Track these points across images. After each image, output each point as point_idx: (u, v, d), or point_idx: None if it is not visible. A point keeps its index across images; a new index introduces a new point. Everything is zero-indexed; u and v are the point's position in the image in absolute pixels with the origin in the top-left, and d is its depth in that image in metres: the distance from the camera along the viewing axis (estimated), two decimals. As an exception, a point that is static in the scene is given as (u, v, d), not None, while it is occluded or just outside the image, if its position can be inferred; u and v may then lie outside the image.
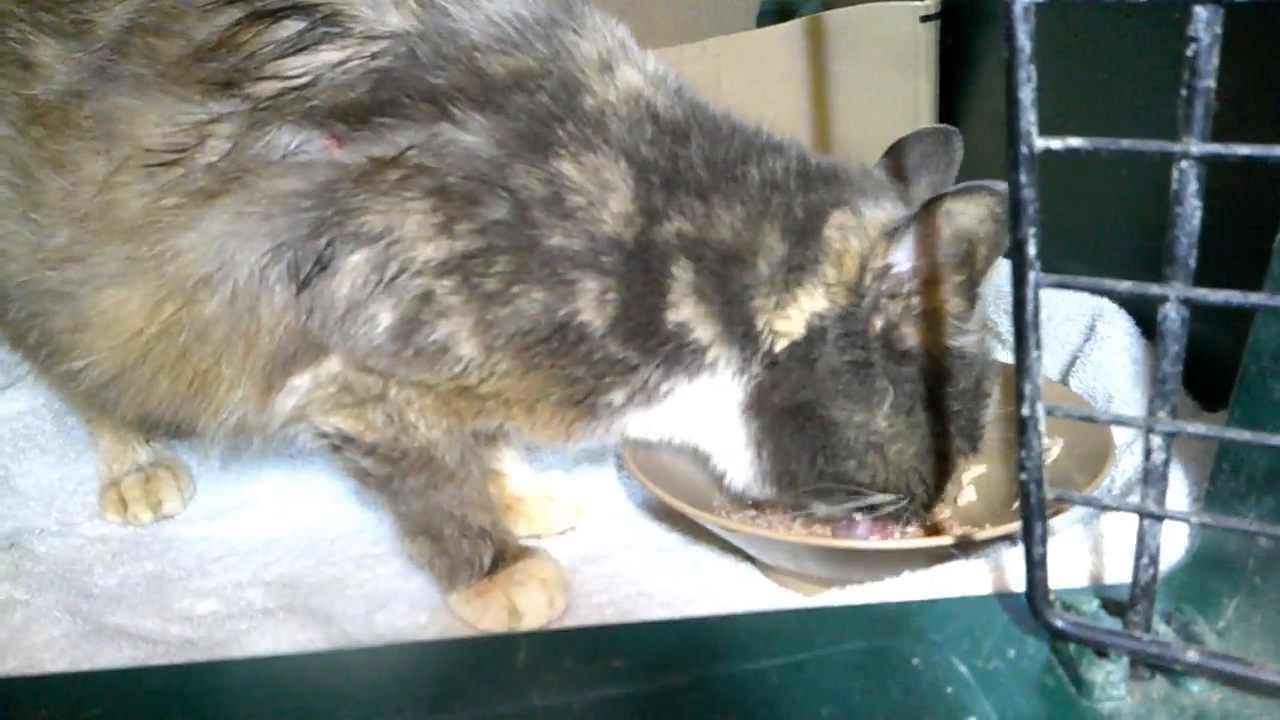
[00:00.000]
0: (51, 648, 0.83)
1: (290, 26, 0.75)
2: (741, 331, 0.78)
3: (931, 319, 0.76)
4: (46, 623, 0.87)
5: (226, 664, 0.73)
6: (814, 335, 0.77)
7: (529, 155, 0.74)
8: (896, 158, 0.90)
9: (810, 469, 0.80)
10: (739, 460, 0.83)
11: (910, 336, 0.77)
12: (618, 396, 0.79)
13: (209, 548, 1.01)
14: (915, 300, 0.76)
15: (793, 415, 0.79)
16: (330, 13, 0.75)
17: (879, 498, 0.81)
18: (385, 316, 0.75)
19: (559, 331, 0.75)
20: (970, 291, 0.75)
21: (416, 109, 0.74)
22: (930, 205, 0.72)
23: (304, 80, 0.74)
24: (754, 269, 0.77)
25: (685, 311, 0.77)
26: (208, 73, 0.74)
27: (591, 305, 0.75)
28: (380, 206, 0.73)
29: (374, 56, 0.75)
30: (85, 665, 0.80)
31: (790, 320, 0.77)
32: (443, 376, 0.77)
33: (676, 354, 0.78)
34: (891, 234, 0.75)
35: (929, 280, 0.75)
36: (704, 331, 0.77)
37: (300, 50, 0.75)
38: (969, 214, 0.71)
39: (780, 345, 0.78)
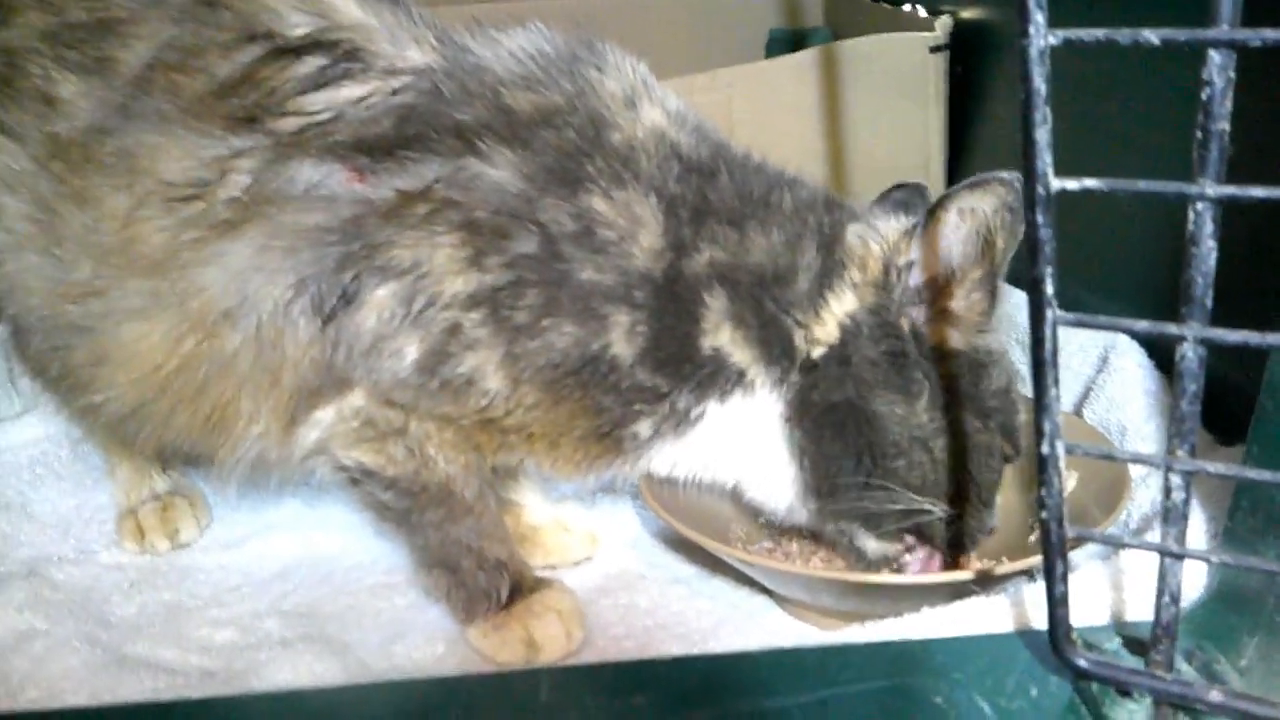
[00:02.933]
0: (71, 677, 0.83)
1: (311, 63, 0.76)
2: (780, 350, 0.78)
3: (957, 317, 0.77)
4: (66, 652, 0.87)
5: (246, 699, 0.74)
6: (847, 335, 0.78)
7: (558, 190, 0.75)
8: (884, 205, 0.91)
9: (855, 472, 0.79)
10: (780, 478, 0.82)
11: (939, 334, 0.78)
12: (644, 427, 0.79)
13: (226, 577, 1.02)
14: (940, 298, 0.77)
15: (834, 415, 0.79)
16: (351, 49, 0.76)
17: (931, 508, 0.79)
18: (412, 349, 0.76)
19: (589, 364, 0.76)
20: (991, 285, 0.76)
21: (442, 143, 0.74)
22: (944, 200, 0.73)
23: (326, 116, 0.75)
24: (794, 287, 0.78)
25: (721, 338, 0.78)
26: (230, 109, 0.75)
27: (622, 338, 0.76)
28: (408, 240, 0.74)
29: (396, 92, 0.76)
30: (106, 696, 0.80)
31: (825, 326, 0.78)
32: (468, 409, 0.78)
33: (711, 378, 0.78)
34: (911, 231, 0.77)
35: (951, 277, 0.76)
36: (741, 355, 0.78)
37: (322, 86, 0.76)
38: (983, 205, 0.72)
39: (817, 352, 0.79)
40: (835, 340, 0.78)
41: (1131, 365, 1.00)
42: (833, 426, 0.79)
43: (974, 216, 0.73)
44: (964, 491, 0.79)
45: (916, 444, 0.78)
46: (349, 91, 0.76)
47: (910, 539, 0.82)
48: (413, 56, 0.78)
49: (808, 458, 0.80)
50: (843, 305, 0.78)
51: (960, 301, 0.77)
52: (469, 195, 0.74)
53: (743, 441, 0.82)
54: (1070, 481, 0.88)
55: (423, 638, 0.88)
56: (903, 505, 0.78)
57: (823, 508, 0.82)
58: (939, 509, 0.79)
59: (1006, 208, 0.72)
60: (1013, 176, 0.71)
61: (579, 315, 0.75)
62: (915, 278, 0.77)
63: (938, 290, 0.77)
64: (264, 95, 0.76)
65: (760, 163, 0.83)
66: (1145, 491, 0.87)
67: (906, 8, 1.64)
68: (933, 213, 0.74)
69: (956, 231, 0.74)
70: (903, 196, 0.91)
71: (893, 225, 0.79)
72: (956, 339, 0.78)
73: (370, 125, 0.75)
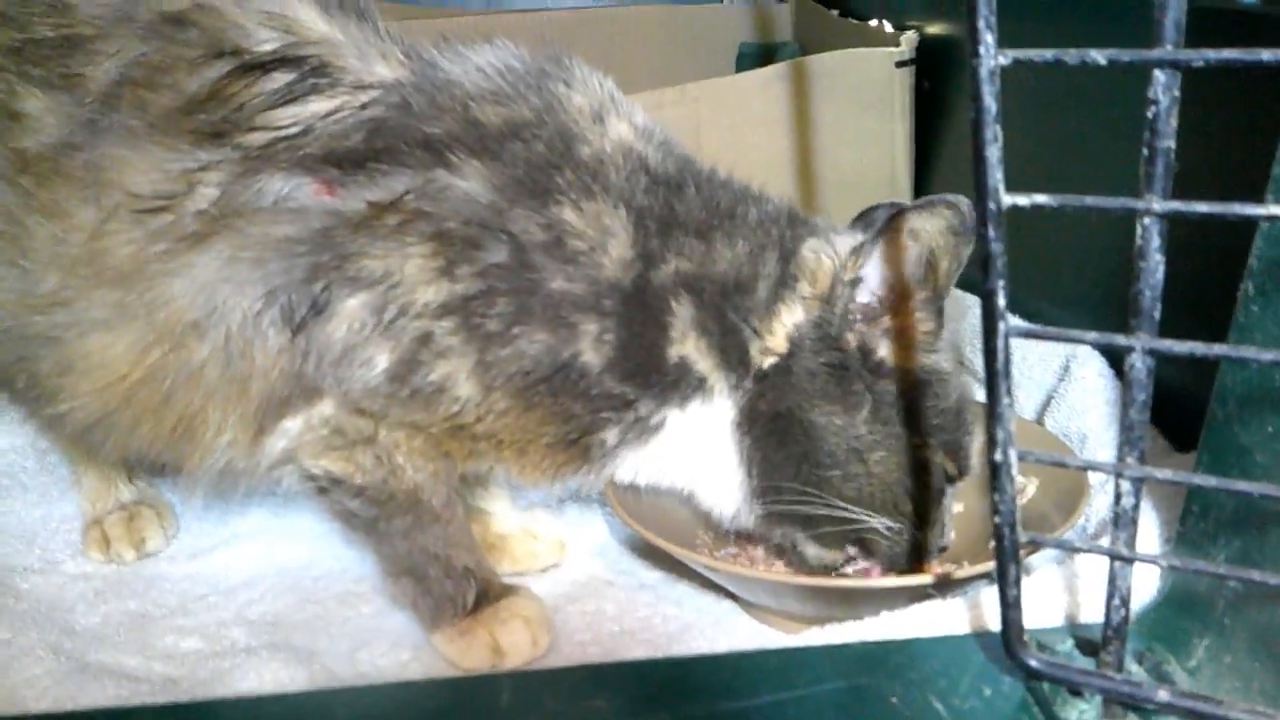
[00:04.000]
0: (35, 685, 0.83)
1: (279, 79, 0.76)
2: (736, 358, 0.80)
3: (903, 336, 0.79)
4: (29, 661, 0.86)
5: (211, 705, 0.74)
6: (794, 346, 0.80)
7: (528, 201, 0.76)
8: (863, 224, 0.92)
9: (795, 479, 0.80)
10: (730, 483, 0.84)
11: (884, 351, 0.79)
12: (611, 435, 0.80)
13: (192, 586, 1.01)
14: (886, 316, 0.79)
15: (778, 423, 0.80)
16: (318, 65, 0.77)
17: (872, 522, 0.80)
18: (382, 359, 0.76)
19: (560, 371, 0.77)
20: (936, 305, 0.78)
21: (412, 155, 0.75)
22: (892, 220, 0.75)
23: (295, 130, 0.76)
24: (753, 296, 0.80)
25: (687, 346, 0.79)
26: (197, 124, 0.76)
27: (592, 346, 0.77)
28: (379, 251, 0.74)
29: (365, 106, 0.77)
30: (69, 704, 0.80)
31: (775, 336, 0.80)
32: (438, 416, 0.78)
33: (674, 386, 0.79)
34: (858, 249, 0.78)
35: (897, 296, 0.78)
36: (703, 363, 0.79)
37: (290, 101, 0.76)
38: (929, 228, 0.74)
39: (768, 362, 0.80)
40: (784, 351, 0.80)
41: (1092, 375, 1.02)
42: (777, 435, 0.80)
43: (920, 238, 0.75)
44: (902, 507, 0.81)
45: (853, 456, 0.79)
46: (317, 106, 0.76)
47: (851, 549, 0.83)
48: (380, 71, 0.78)
49: (755, 465, 0.82)
50: (792, 317, 0.80)
51: (906, 320, 0.78)
52: (440, 206, 0.75)
53: (698, 448, 0.83)
54: (1030, 488, 0.90)
55: (389, 645, 0.88)
56: (838, 515, 0.80)
57: (768, 513, 0.83)
58: (878, 522, 0.80)
59: (951, 230, 0.74)
60: (958, 200, 0.73)
61: (550, 323, 0.76)
62: (864, 294, 0.79)
63: (885, 308, 0.79)
64: (232, 110, 0.76)
65: (726, 177, 0.84)
66: (1103, 497, 0.89)
67: (874, 23, 1.66)
68: (881, 233, 0.76)
69: (904, 252, 0.76)
70: (883, 216, 0.92)
71: (847, 242, 0.81)
72: (903, 357, 0.79)
73: (340, 139, 0.76)
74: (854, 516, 0.80)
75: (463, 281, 0.75)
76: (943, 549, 0.83)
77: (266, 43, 0.77)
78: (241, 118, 0.76)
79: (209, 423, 0.80)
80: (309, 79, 0.77)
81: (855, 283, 0.78)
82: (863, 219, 0.93)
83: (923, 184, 1.57)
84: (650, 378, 0.79)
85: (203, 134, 0.76)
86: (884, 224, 0.76)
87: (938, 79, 1.53)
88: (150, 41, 0.77)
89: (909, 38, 1.52)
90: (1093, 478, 0.87)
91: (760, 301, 0.80)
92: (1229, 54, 0.40)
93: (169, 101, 0.76)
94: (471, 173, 0.75)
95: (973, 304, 1.17)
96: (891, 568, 0.82)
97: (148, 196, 0.75)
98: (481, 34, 0.84)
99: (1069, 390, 1.02)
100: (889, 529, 0.81)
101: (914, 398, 0.79)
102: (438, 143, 0.76)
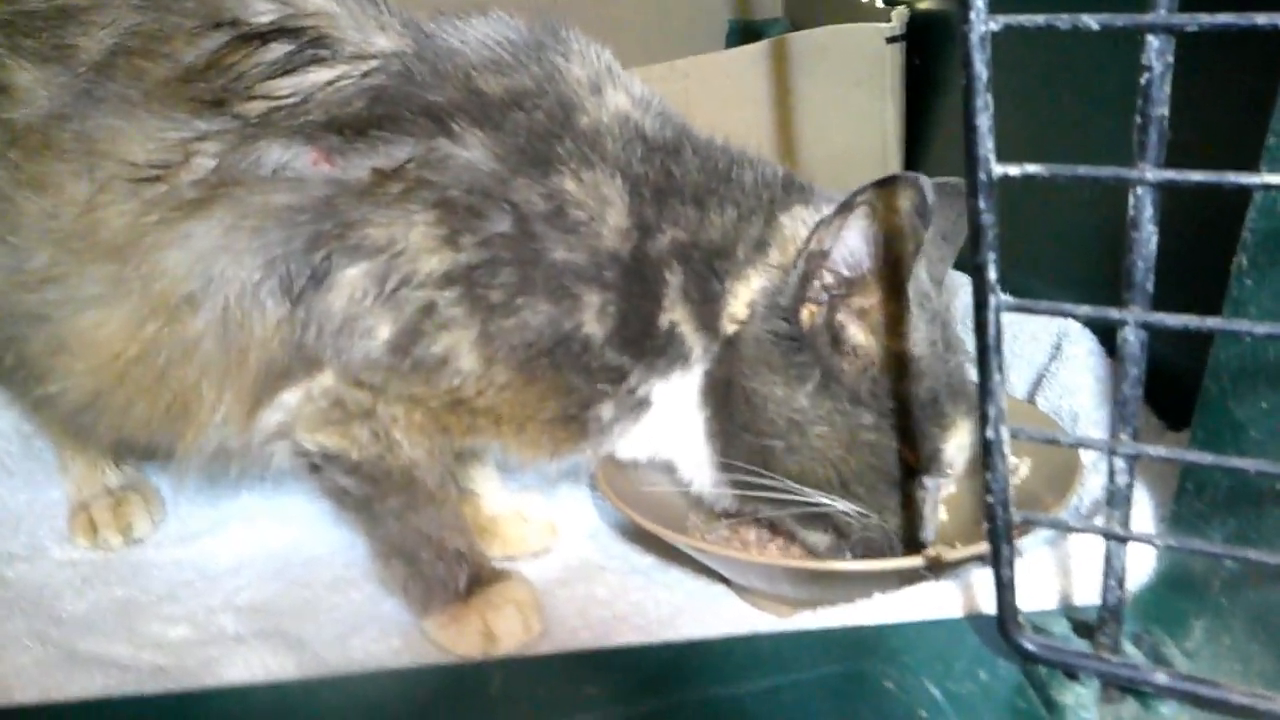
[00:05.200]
0: (22, 675, 0.82)
1: (278, 49, 0.76)
2: (710, 322, 0.79)
3: (867, 317, 0.77)
4: (16, 650, 0.86)
5: (200, 694, 0.73)
6: (752, 313, 0.79)
7: (530, 170, 0.75)
8: None
9: (742, 451, 0.79)
10: (700, 457, 0.83)
11: (849, 330, 0.77)
12: (607, 410, 0.80)
13: (179, 572, 1.00)
14: (854, 294, 0.76)
15: (728, 392, 0.79)
16: (317, 35, 0.77)
17: (828, 503, 0.78)
18: (384, 329, 0.75)
19: (562, 343, 0.76)
20: (896, 285, 0.75)
21: (415, 124, 0.75)
22: (852, 197, 0.73)
23: (294, 100, 0.75)
24: (732, 259, 0.79)
25: (677, 313, 0.78)
26: (195, 92, 0.75)
27: (594, 317, 0.76)
28: (383, 219, 0.74)
29: (367, 75, 0.76)
30: (56, 693, 0.79)
31: (738, 301, 0.79)
32: (439, 390, 0.77)
33: (662, 352, 0.79)
34: (824, 222, 0.76)
35: (858, 275, 0.76)
36: (685, 327, 0.79)
37: (289, 72, 0.76)
38: (888, 205, 0.72)
39: (730, 329, 0.79)
40: (744, 318, 0.79)
41: (1083, 353, 1.01)
42: (729, 405, 0.79)
43: (879, 216, 0.72)
44: (854, 489, 0.78)
45: (792, 428, 0.78)
46: (316, 76, 0.76)
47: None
48: (380, 42, 0.78)
49: (716, 437, 0.81)
50: (759, 283, 0.79)
51: (867, 300, 0.76)
52: (442, 175, 0.74)
53: (676, 419, 0.82)
54: (1023, 468, 0.89)
55: (379, 631, 0.87)
56: (786, 495, 0.78)
57: (735, 489, 0.82)
58: (837, 503, 0.78)
59: (912, 208, 0.71)
60: (917, 177, 0.71)
61: (553, 294, 0.76)
62: (827, 269, 0.76)
63: (848, 285, 0.76)
64: (231, 80, 0.76)
65: (723, 143, 0.84)
66: (1097, 477, 0.88)
67: (864, -1, 1.65)
68: (842, 209, 0.74)
69: (865, 231, 0.74)
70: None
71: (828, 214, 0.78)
72: (864, 337, 0.77)
73: (341, 105, 0.76)
74: (801, 495, 0.78)
75: (466, 251, 0.74)
76: (921, 545, 0.79)
77: (264, 14, 0.77)
78: (240, 87, 0.75)
79: (203, 399, 0.79)
80: (307, 49, 0.76)
81: (816, 255, 0.76)
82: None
83: (913, 161, 1.56)
84: (644, 347, 0.78)
85: (201, 103, 0.75)
86: (845, 200, 0.73)
87: (928, 55, 1.52)
88: (146, 12, 0.77)
89: (900, 13, 1.51)
90: (1085, 459, 0.87)
91: (738, 264, 0.79)
92: (1224, 18, 0.39)
93: (166, 71, 0.76)
94: (474, 141, 0.75)
95: (964, 283, 1.16)
96: (867, 555, 0.79)
97: (143, 166, 0.75)
98: (478, 7, 0.83)
99: (1060, 369, 1.02)
100: (857, 514, 0.78)
101: (876, 380, 0.77)
102: (440, 111, 0.75)
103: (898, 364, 0.77)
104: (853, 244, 0.75)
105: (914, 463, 0.78)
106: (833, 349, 0.77)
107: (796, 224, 0.80)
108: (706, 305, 0.79)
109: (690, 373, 0.81)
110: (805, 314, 0.77)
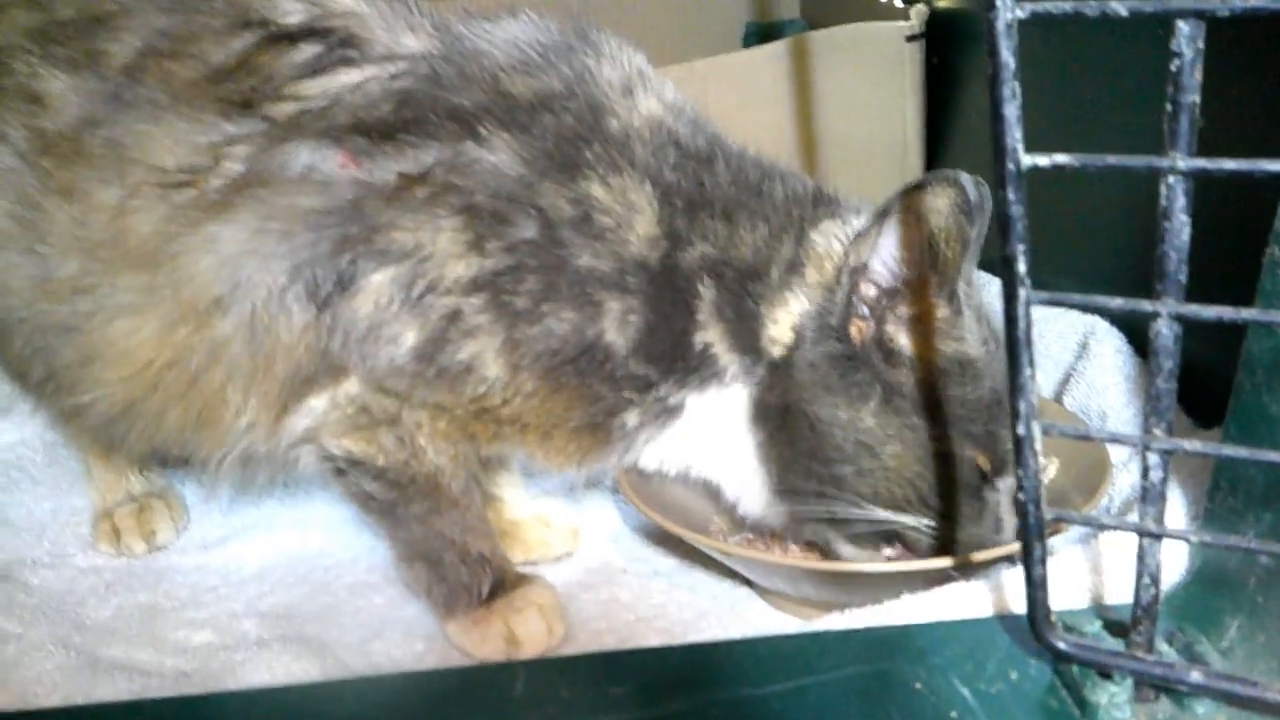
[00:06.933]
0: (45, 681, 0.82)
1: (307, 50, 0.76)
2: (749, 344, 0.78)
3: (918, 323, 0.75)
4: (40, 656, 0.86)
5: (223, 697, 0.73)
6: (799, 337, 0.77)
7: (557, 175, 0.75)
8: None
9: (808, 477, 0.77)
10: (752, 479, 0.82)
11: (901, 341, 0.75)
12: (632, 417, 0.79)
13: (203, 578, 1.00)
14: (899, 304, 0.75)
15: (787, 418, 0.78)
16: (346, 36, 0.77)
17: (901, 519, 0.76)
18: (410, 336, 0.75)
19: (587, 351, 0.75)
20: (948, 288, 0.73)
21: (442, 127, 0.74)
22: (891, 204, 0.71)
23: (323, 103, 0.75)
24: (766, 280, 0.77)
25: (710, 329, 0.77)
26: (225, 93, 0.75)
27: (617, 326, 0.75)
28: (410, 223, 0.73)
29: (394, 77, 0.76)
30: (80, 699, 0.79)
31: (779, 325, 0.77)
32: (464, 398, 0.77)
33: (695, 369, 0.78)
34: (861, 235, 0.75)
35: (906, 282, 0.74)
36: (720, 347, 0.78)
37: (319, 73, 0.76)
38: (931, 207, 0.70)
39: (776, 352, 0.78)
40: (789, 341, 0.77)
41: (1110, 351, 1.00)
42: (788, 430, 0.78)
43: (921, 220, 0.71)
44: (931, 503, 0.76)
45: (863, 450, 0.76)
46: (346, 78, 0.76)
47: (888, 549, 0.80)
48: (409, 43, 0.78)
49: (773, 461, 0.79)
50: (799, 305, 0.77)
51: (920, 307, 0.74)
52: (468, 179, 0.74)
53: (717, 436, 0.81)
54: (1051, 468, 0.88)
55: (402, 635, 0.87)
56: (858, 515, 0.76)
57: (793, 512, 0.80)
58: (910, 520, 0.76)
59: (956, 208, 0.69)
60: (957, 174, 0.69)
61: (577, 301, 0.75)
62: (869, 282, 0.75)
63: (895, 295, 0.75)
64: (260, 81, 0.76)
65: (755, 155, 0.82)
66: (1126, 476, 0.87)
67: (882, -2, 1.64)
68: (882, 217, 0.72)
69: (908, 236, 0.72)
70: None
71: (859, 226, 0.77)
72: (921, 345, 0.75)
73: (369, 109, 0.75)
74: (871, 515, 0.76)
75: (493, 256, 0.74)
76: (998, 543, 0.76)
77: (293, 15, 0.77)
78: (269, 88, 0.75)
79: (230, 404, 0.79)
80: (337, 50, 0.76)
81: (858, 270, 0.75)
82: None
83: (934, 161, 1.55)
84: (674, 359, 0.77)
85: (229, 104, 0.75)
86: (883, 207, 0.72)
87: (947, 53, 1.51)
88: (174, 14, 0.77)
89: (919, 11, 1.49)
90: (1114, 458, 0.85)
91: (772, 287, 0.77)
92: (1256, 2, 0.38)
93: (194, 72, 0.76)
94: (501, 145, 0.74)
95: (987, 281, 1.15)
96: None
97: (172, 171, 0.75)
98: (506, 8, 0.83)
99: (1087, 368, 1.01)
100: (927, 526, 0.76)
101: (937, 388, 0.75)
102: (467, 114, 0.75)
103: (957, 368, 0.75)
104: (890, 253, 0.74)
105: (987, 466, 0.76)
106: (887, 363, 0.75)
107: (829, 240, 0.78)
108: (742, 324, 0.77)
109: (727, 390, 0.79)
110: (854, 331, 0.76)
